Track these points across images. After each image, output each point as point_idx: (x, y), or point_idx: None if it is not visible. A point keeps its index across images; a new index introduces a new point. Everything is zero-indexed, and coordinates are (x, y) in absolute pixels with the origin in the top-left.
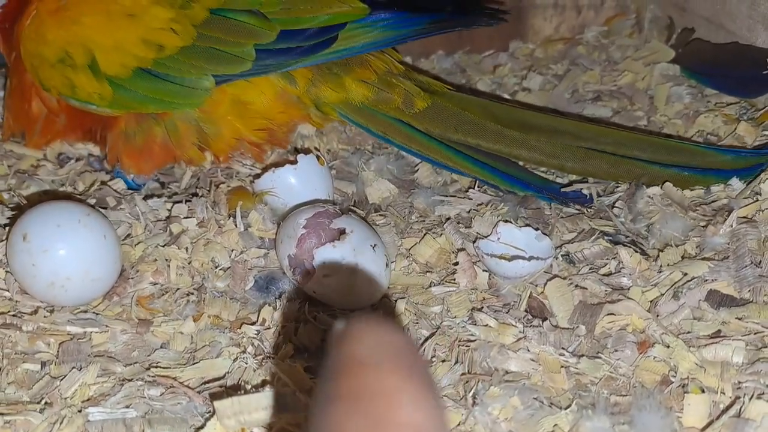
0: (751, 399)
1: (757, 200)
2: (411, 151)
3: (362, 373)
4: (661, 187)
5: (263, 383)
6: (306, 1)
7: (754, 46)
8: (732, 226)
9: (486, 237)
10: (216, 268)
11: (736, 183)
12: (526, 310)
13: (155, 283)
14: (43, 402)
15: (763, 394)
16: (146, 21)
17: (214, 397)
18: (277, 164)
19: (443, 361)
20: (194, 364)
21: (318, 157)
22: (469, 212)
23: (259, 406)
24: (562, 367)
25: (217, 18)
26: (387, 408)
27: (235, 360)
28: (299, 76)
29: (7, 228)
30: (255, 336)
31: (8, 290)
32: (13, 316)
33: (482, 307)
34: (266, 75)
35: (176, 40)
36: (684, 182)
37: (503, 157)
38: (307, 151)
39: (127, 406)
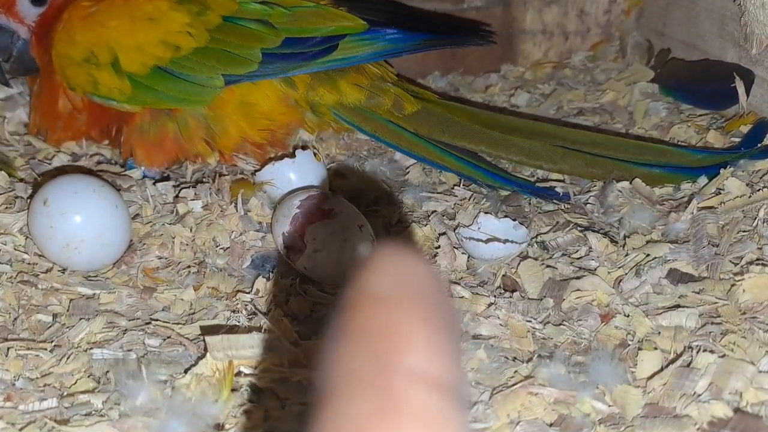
0: (698, 353)
1: (720, 194)
2: (400, 149)
3: (376, 308)
4: (631, 183)
5: (251, 329)
6: (311, 14)
7: (723, 62)
8: (693, 213)
9: (467, 226)
10: (217, 246)
11: (703, 181)
12: (499, 286)
13: (161, 257)
14: (53, 344)
15: (711, 350)
16: (165, 25)
17: (208, 330)
18: (276, 158)
19: None
20: (192, 323)
21: (315, 153)
22: (453, 207)
23: (246, 344)
24: (528, 331)
25: (229, 24)
26: (395, 351)
27: (228, 320)
28: (299, 81)
29: (29, 200)
30: (249, 302)
31: (27, 253)
32: (30, 274)
33: (459, 282)
34: (270, 78)
35: (191, 42)
36: (655, 180)
37: (486, 157)
38: (305, 148)
39: (129, 350)
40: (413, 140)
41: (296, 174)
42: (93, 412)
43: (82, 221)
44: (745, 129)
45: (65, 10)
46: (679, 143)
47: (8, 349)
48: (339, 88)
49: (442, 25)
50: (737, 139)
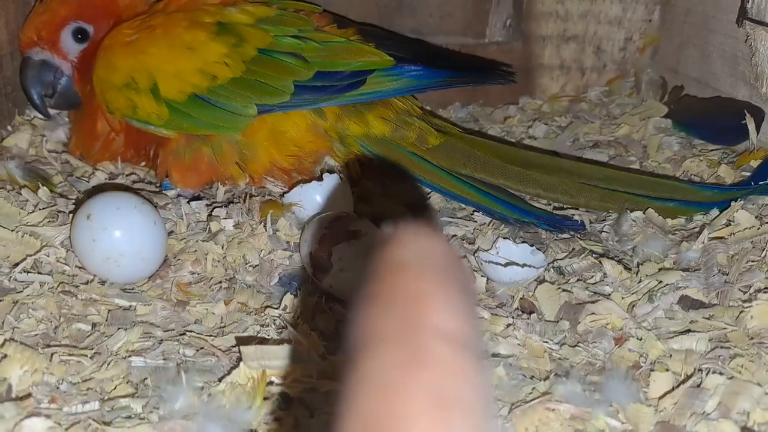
0: (708, 374)
1: (730, 225)
2: (422, 181)
3: (400, 275)
4: (644, 213)
5: (282, 341)
6: (341, 50)
7: (734, 99)
8: (704, 242)
9: (487, 251)
10: (246, 264)
11: (715, 212)
12: (517, 308)
13: (193, 273)
14: (93, 351)
15: (720, 372)
16: (204, 54)
17: (241, 342)
18: (305, 181)
19: None
20: (223, 336)
21: (341, 178)
22: (473, 232)
23: (278, 355)
24: (545, 352)
25: (264, 57)
26: (418, 311)
27: (258, 333)
28: (328, 112)
29: (71, 214)
30: (277, 317)
31: (68, 265)
32: (71, 285)
33: (479, 304)
34: (301, 109)
35: (228, 72)
36: (668, 213)
37: (505, 190)
38: (332, 172)
39: (165, 359)
40: (436, 173)
41: (323, 196)
42: (133, 416)
43: (122, 236)
44: (755, 164)
45: (106, 37)
46: (692, 179)
47: (52, 354)
48: (366, 120)
49: (465, 62)
50: (748, 174)
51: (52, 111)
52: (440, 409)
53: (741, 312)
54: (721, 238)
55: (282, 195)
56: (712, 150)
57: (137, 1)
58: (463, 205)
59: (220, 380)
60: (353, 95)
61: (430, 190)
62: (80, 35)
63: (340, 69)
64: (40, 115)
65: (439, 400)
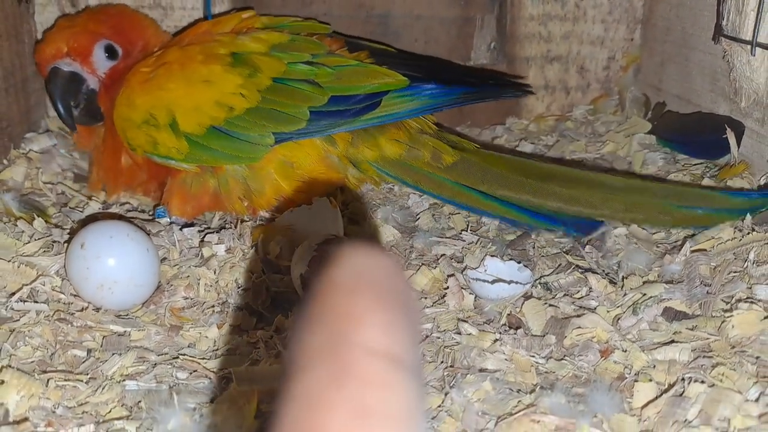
0: (690, 383)
1: (713, 238)
2: (442, 198)
3: (334, 294)
4: (627, 228)
5: (273, 362)
6: (354, 73)
7: (715, 114)
8: (686, 255)
9: (475, 269)
10: (239, 287)
11: (748, 220)
12: (504, 324)
13: (186, 297)
14: (88, 376)
15: (702, 381)
16: (220, 86)
17: (231, 364)
18: (295, 205)
19: (430, 361)
20: (216, 359)
21: (331, 201)
22: (461, 251)
23: (268, 376)
24: (531, 366)
25: (279, 85)
26: (348, 328)
27: (250, 355)
28: (340, 139)
29: (66, 244)
30: (269, 339)
31: (64, 293)
32: (66, 313)
33: (467, 320)
34: (317, 135)
35: (244, 103)
36: (698, 221)
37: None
38: (321, 196)
39: (159, 382)
40: (455, 189)
41: (313, 220)
42: None
43: (116, 264)
44: (737, 177)
45: (129, 71)
46: (716, 187)
47: (48, 380)
48: (378, 144)
49: (478, 77)
50: (732, 187)
51: (48, 142)
52: (361, 420)
53: (723, 322)
54: (704, 250)
55: (273, 219)
56: (695, 164)
57: (163, 33)
58: (452, 225)
59: (211, 401)
60: (369, 118)
61: (418, 212)
62: (110, 53)
63: (354, 92)
64: (65, 128)
65: (361, 411)
